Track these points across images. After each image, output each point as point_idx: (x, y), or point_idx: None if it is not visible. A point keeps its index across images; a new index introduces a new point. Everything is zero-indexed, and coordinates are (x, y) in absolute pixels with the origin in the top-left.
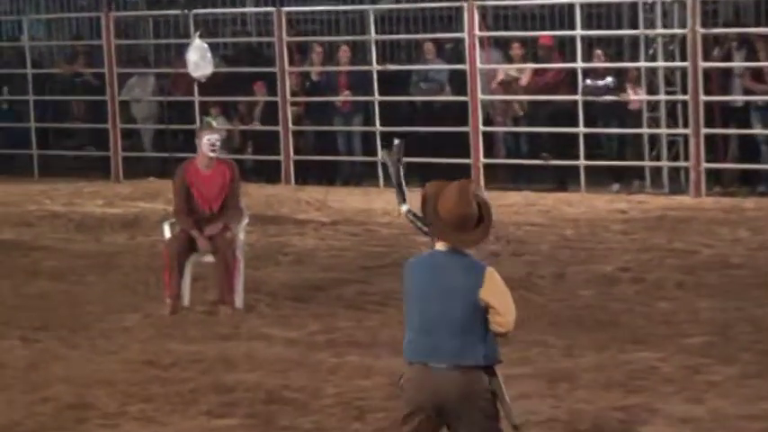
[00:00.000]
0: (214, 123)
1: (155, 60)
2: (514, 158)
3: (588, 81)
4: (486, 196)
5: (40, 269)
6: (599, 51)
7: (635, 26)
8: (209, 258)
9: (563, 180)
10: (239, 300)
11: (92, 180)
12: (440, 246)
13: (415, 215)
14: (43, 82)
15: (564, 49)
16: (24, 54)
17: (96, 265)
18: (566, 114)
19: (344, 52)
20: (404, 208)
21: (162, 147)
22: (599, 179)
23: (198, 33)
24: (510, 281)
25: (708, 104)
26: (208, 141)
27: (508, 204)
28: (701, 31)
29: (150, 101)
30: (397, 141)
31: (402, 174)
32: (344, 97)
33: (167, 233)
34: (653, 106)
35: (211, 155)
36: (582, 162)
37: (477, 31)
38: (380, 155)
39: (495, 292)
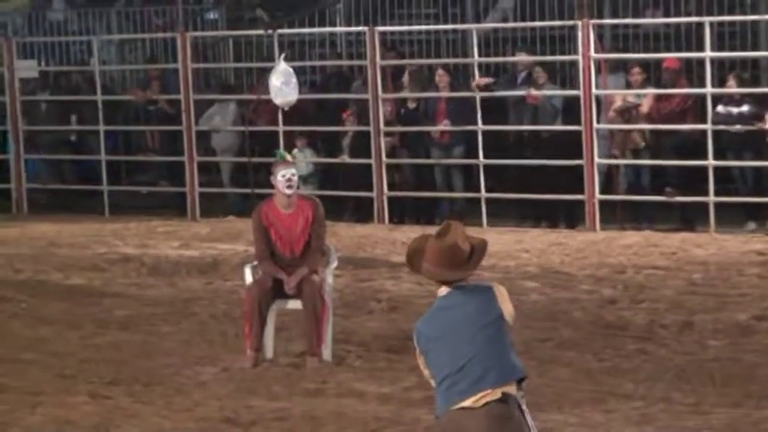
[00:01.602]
0: (288, 157)
1: (235, 86)
2: (635, 194)
3: (719, 108)
4: (482, 239)
5: (111, 318)
6: (732, 76)
7: None
8: (295, 305)
9: (690, 218)
10: (328, 351)
11: (166, 219)
12: (442, 290)
13: None
14: (114, 110)
15: (691, 72)
16: (94, 79)
17: (171, 314)
18: (693, 145)
19: (443, 76)
20: None
21: (243, 182)
22: (731, 217)
23: (283, 56)
24: (630, 330)
25: None
26: (283, 178)
27: (627, 245)
28: None
29: (230, 131)
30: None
31: None
32: (444, 127)
33: (249, 278)
34: None
35: (288, 192)
36: (711, 198)
37: (592, 53)
38: None
39: (505, 299)
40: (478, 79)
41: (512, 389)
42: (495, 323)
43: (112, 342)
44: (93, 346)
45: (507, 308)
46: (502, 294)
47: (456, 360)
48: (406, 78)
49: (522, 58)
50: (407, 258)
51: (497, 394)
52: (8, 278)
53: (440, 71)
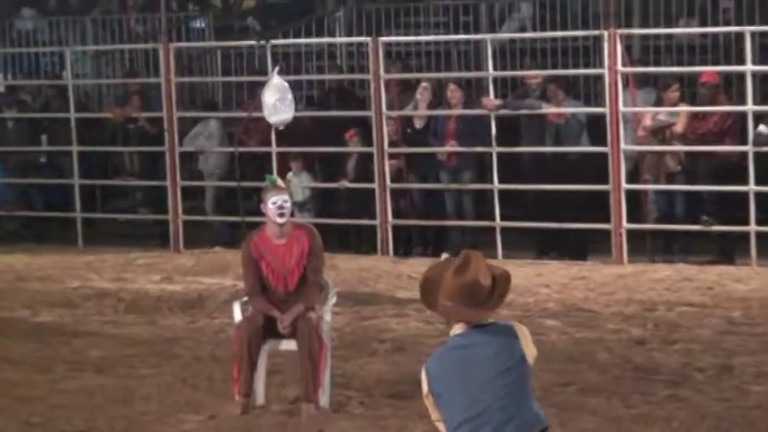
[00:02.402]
0: (280, 181)
1: (224, 102)
2: (667, 223)
3: (762, 128)
4: (504, 271)
5: (85, 359)
6: None
7: None
8: (289, 346)
9: (729, 250)
10: (325, 397)
11: (146, 250)
12: (457, 329)
13: None
14: (89, 129)
15: (731, 88)
16: (67, 94)
17: (151, 355)
18: (733, 169)
19: (455, 92)
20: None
21: (232, 209)
22: None
23: (277, 69)
24: (661, 374)
25: None
26: (274, 205)
27: (658, 279)
28: None
29: (218, 152)
30: (444, 257)
31: None
32: (451, 148)
33: (238, 315)
34: None
35: (279, 221)
36: (753, 228)
37: (619, 66)
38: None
39: (528, 341)
40: (488, 102)
41: None
42: (518, 368)
43: (86, 386)
44: (64, 390)
45: (530, 350)
46: (524, 335)
47: (473, 406)
48: (420, 97)
49: (540, 72)
50: (421, 291)
51: None
52: None
53: (451, 86)
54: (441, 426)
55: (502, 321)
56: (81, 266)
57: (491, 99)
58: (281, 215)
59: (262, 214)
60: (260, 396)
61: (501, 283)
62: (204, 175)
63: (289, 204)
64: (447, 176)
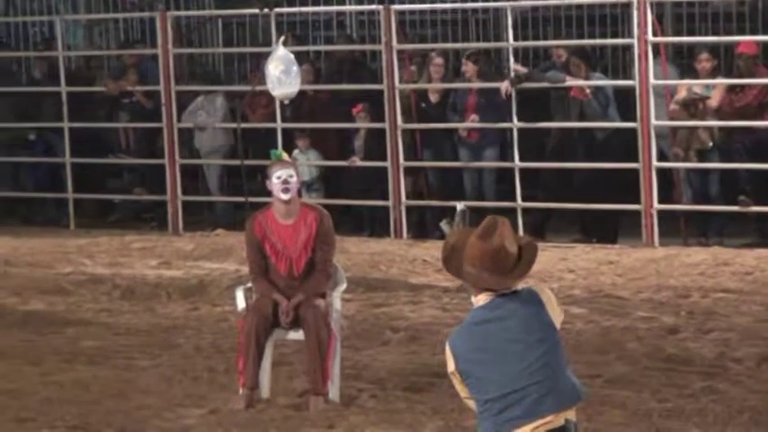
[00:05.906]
0: (285, 155)
1: (225, 75)
2: (701, 204)
3: None
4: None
5: (78, 350)
6: None
7: None
8: (297, 335)
9: None
10: (335, 390)
11: (143, 233)
12: (481, 299)
13: None
14: (82, 104)
15: None
16: (57, 67)
17: (149, 345)
18: None
19: (471, 64)
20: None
21: (234, 189)
22: None
23: (282, 40)
24: (695, 365)
25: None
26: (278, 180)
27: (693, 264)
28: None
29: (219, 128)
30: (460, 207)
31: None
32: (469, 123)
33: (241, 302)
34: None
35: (284, 197)
36: None
37: (650, 36)
38: (442, 225)
39: (553, 305)
40: (505, 87)
41: (572, 414)
42: (548, 338)
43: (79, 379)
44: (55, 383)
45: (557, 315)
46: (550, 300)
47: (505, 382)
48: (434, 69)
49: (564, 42)
50: (444, 258)
51: (560, 421)
52: None
53: (464, 60)
54: (471, 403)
55: (524, 287)
56: (73, 251)
57: (507, 85)
58: (286, 191)
59: (266, 194)
60: (265, 389)
61: (528, 251)
62: (200, 153)
63: (294, 180)
64: (467, 154)
